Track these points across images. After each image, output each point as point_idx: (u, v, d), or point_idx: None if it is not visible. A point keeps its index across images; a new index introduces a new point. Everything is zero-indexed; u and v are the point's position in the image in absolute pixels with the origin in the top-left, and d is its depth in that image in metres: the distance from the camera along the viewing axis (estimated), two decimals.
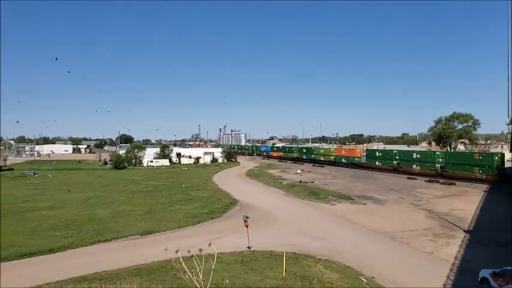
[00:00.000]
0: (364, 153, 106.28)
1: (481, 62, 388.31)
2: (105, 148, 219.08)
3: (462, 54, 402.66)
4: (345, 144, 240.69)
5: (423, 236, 34.88)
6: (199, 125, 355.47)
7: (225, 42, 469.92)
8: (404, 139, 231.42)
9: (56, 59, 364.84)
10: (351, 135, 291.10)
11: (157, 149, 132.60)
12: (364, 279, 24.14)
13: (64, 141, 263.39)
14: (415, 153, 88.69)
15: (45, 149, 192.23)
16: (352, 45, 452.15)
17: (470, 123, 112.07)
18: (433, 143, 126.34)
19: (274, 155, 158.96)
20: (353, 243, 32.50)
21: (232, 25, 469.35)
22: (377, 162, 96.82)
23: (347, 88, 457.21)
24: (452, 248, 30.82)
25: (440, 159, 79.14)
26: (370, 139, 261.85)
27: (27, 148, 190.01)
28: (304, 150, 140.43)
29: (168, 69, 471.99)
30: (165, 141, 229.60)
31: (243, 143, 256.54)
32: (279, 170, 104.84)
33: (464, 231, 36.55)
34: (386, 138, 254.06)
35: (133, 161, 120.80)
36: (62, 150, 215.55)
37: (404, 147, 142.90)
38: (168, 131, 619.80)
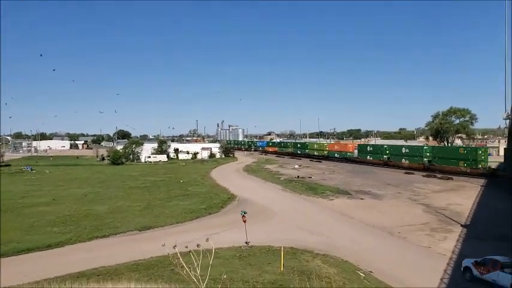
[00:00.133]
0: (356, 148, 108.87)
1: (478, 57, 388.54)
2: (102, 144, 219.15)
3: (459, 49, 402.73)
4: (342, 139, 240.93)
5: (420, 231, 35.02)
6: (197, 120, 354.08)
7: (223, 38, 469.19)
8: (401, 134, 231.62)
9: (41, 55, 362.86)
10: (348, 131, 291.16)
11: (155, 145, 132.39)
12: (361, 274, 24.23)
13: (61, 137, 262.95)
14: (404, 148, 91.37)
15: (43, 144, 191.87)
16: (350, 41, 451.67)
17: (467, 118, 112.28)
18: (431, 138, 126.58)
19: (270, 150, 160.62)
20: (351, 238, 32.61)
21: (230, 22, 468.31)
22: (368, 157, 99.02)
23: (345, 83, 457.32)
24: (449, 243, 30.96)
25: (428, 154, 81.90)
26: (368, 134, 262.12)
27: (24, 144, 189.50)
28: (298, 145, 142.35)
29: (166, 65, 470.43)
30: (163, 136, 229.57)
31: (240, 138, 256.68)
32: (277, 165, 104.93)
33: (462, 225, 36.71)
34: (384, 133, 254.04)
35: (131, 156, 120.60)
36: (59, 146, 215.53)
37: (402, 142, 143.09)
38: (166, 127, 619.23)
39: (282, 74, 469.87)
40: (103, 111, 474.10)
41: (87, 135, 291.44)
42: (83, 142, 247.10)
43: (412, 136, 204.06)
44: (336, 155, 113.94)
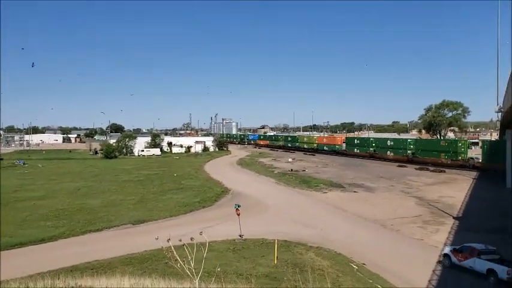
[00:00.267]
0: (344, 141, 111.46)
1: (471, 50, 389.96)
2: (95, 137, 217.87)
3: (452, 42, 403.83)
4: (336, 132, 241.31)
5: (413, 223, 35.31)
6: (190, 114, 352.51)
7: (216, 32, 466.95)
8: (394, 127, 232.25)
9: (23, 49, 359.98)
10: (342, 124, 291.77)
11: (148, 138, 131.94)
12: (354, 266, 24.42)
13: (54, 131, 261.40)
14: (389, 141, 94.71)
15: (35, 138, 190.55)
16: (343, 35, 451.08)
17: (459, 111, 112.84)
18: (423, 131, 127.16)
19: (261, 143, 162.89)
20: (344, 231, 32.81)
21: (223, 16, 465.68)
22: (355, 149, 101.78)
23: (339, 77, 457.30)
24: (441, 235, 31.25)
25: (412, 146, 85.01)
26: (361, 127, 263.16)
27: (16, 138, 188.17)
28: (289, 139, 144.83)
29: (159, 57, 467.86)
30: (156, 130, 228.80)
31: (234, 131, 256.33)
32: (270, 158, 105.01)
33: (454, 218, 37.04)
34: (377, 126, 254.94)
35: (124, 150, 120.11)
36: (52, 139, 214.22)
37: (395, 135, 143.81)
38: (159, 121, 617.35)
39: (276, 67, 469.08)
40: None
41: (80, 129, 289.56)
42: (75, 136, 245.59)
43: (405, 129, 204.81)
44: (325, 147, 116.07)
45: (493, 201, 44.16)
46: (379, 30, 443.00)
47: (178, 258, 6.60)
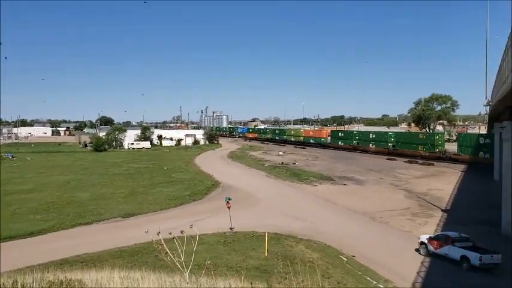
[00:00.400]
0: (329, 135, 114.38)
1: (460, 44, 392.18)
2: (85, 130, 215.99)
3: (442, 36, 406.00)
4: (326, 125, 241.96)
5: (402, 216, 35.63)
6: (181, 107, 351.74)
7: (207, 26, 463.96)
8: (384, 120, 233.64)
9: (0, 43, 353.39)
10: (332, 117, 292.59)
11: (138, 131, 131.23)
12: (344, 258, 24.62)
13: (43, 124, 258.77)
14: (371, 134, 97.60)
15: (23, 131, 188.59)
16: (334, 29, 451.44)
17: (449, 105, 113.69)
18: (413, 124, 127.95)
19: (250, 136, 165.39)
20: (334, 224, 33.02)
21: (214, 10, 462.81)
22: (340, 142, 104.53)
23: (329, 70, 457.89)
24: (430, 227, 31.58)
25: (392, 139, 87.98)
26: (351, 120, 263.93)
27: (4, 131, 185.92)
28: (277, 132, 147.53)
29: (150, 51, 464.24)
30: (146, 123, 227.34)
31: (224, 124, 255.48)
32: (261, 151, 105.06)
33: (442, 210, 37.44)
34: (367, 119, 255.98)
35: (114, 143, 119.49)
36: (41, 132, 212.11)
37: (384, 129, 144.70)
38: (149, 113, 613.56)
39: (267, 60, 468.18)
40: (87, 98, 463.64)
41: (69, 122, 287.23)
42: (65, 129, 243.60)
43: (394, 122, 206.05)
44: (311, 140, 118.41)
45: (480, 194, 44.72)
46: (369, 25, 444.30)
47: (168, 251, 6.62)
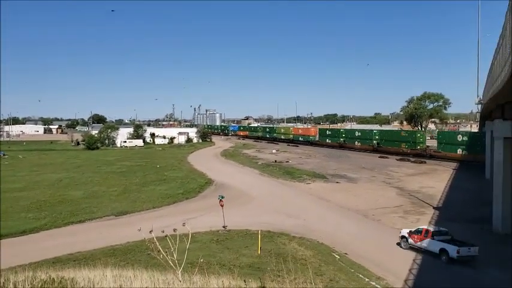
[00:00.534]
0: (318, 133, 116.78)
1: (452, 43, 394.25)
2: (77, 128, 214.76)
3: (434, 35, 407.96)
4: (319, 123, 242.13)
5: (394, 213, 35.86)
6: (173, 105, 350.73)
7: (200, 24, 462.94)
8: (377, 119, 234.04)
9: None
10: (325, 115, 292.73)
11: (131, 129, 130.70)
12: (337, 256, 24.77)
13: (35, 122, 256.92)
14: (357, 132, 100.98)
15: (15, 129, 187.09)
16: (329, 29, 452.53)
17: (441, 103, 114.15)
18: (405, 123, 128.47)
19: (241, 134, 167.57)
20: (327, 221, 33.15)
21: (206, 9, 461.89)
22: (327, 140, 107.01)
23: (323, 69, 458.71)
24: (422, 224, 31.65)
25: (377, 137, 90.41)
26: (344, 119, 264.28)
27: None
28: (267, 130, 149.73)
29: (143, 49, 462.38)
30: (139, 121, 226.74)
31: (217, 122, 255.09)
32: (254, 149, 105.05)
33: (434, 208, 37.71)
34: (359, 118, 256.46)
35: (107, 141, 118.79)
36: (33, 130, 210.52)
37: (376, 127, 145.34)
38: (141, 111, 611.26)
39: (261, 58, 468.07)
40: (79, 96, 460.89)
41: (62, 120, 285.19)
42: (57, 127, 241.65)
43: (387, 121, 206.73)
44: (300, 138, 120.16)
45: (472, 192, 45.04)
46: (364, 25, 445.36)
47: (161, 249, 6.64)
